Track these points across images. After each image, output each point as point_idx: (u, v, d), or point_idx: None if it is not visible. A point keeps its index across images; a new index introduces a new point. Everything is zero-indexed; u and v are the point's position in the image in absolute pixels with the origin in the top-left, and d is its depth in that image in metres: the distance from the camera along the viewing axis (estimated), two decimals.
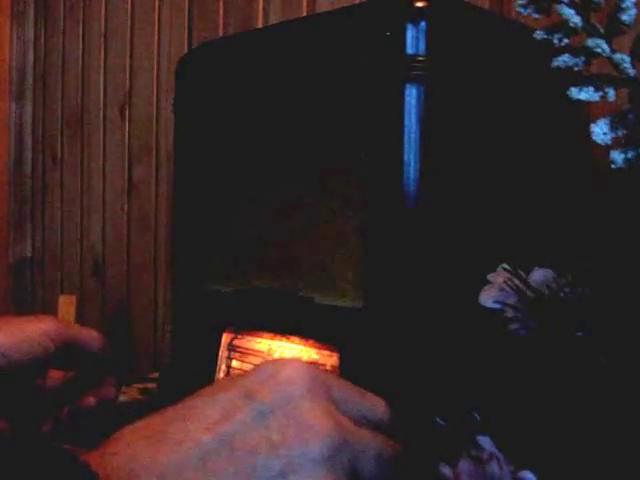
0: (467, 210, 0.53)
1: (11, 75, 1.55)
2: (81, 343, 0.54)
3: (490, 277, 0.46)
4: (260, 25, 1.05)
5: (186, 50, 1.16)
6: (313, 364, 0.38)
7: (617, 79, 0.40)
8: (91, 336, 0.55)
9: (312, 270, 0.56)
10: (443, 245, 0.52)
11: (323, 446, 0.33)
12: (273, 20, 1.04)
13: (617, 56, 0.40)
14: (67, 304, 1.32)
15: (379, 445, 0.36)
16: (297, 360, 0.38)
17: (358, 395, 0.38)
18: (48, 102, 1.51)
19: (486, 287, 0.46)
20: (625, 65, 0.40)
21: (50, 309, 1.40)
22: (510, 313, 0.44)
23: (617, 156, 0.39)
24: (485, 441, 0.35)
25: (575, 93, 0.40)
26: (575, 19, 0.40)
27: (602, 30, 0.40)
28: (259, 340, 0.61)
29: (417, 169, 0.50)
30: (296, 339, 0.58)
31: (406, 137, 0.50)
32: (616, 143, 0.40)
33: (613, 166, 0.40)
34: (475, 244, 0.53)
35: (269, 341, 0.60)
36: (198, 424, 0.33)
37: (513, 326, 0.44)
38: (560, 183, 0.62)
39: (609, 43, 0.40)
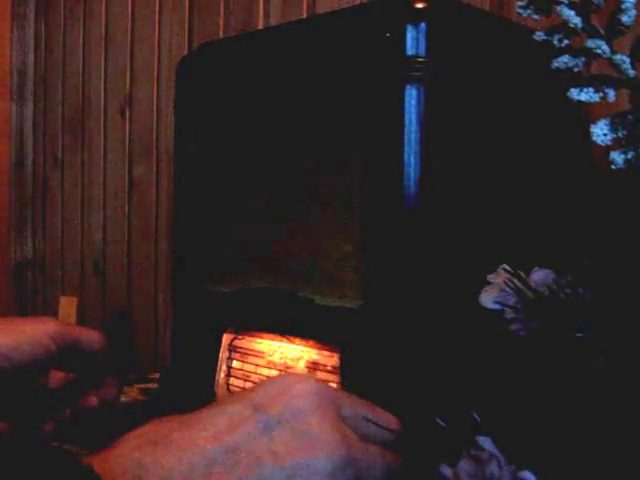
0: (467, 210, 0.53)
1: (12, 76, 1.55)
2: (82, 344, 0.54)
3: (490, 278, 0.46)
4: (260, 26, 1.05)
5: (187, 51, 1.16)
6: (324, 382, 0.38)
7: (617, 80, 0.40)
8: (92, 336, 0.55)
9: (312, 270, 0.56)
10: (443, 245, 0.52)
11: (329, 461, 0.33)
12: (273, 21, 1.04)
13: (617, 57, 0.40)
14: (68, 305, 1.32)
15: (386, 462, 0.36)
16: (308, 377, 0.38)
17: (368, 412, 0.38)
18: (49, 103, 1.51)
19: (486, 288, 0.46)
20: (625, 66, 0.40)
21: (51, 310, 1.40)
22: (510, 314, 0.44)
23: (617, 157, 0.39)
24: (485, 441, 0.35)
25: (575, 94, 0.40)
26: (575, 20, 0.40)
27: (602, 31, 0.40)
28: (259, 341, 0.62)
29: (417, 169, 0.50)
30: (296, 340, 0.58)
31: (406, 138, 0.50)
32: (616, 144, 0.40)
33: (613, 167, 0.40)
34: (475, 244, 0.53)
35: (269, 342, 0.60)
36: (204, 432, 0.33)
37: (513, 327, 0.44)
38: (560, 184, 0.62)
39: (609, 44, 0.40)
